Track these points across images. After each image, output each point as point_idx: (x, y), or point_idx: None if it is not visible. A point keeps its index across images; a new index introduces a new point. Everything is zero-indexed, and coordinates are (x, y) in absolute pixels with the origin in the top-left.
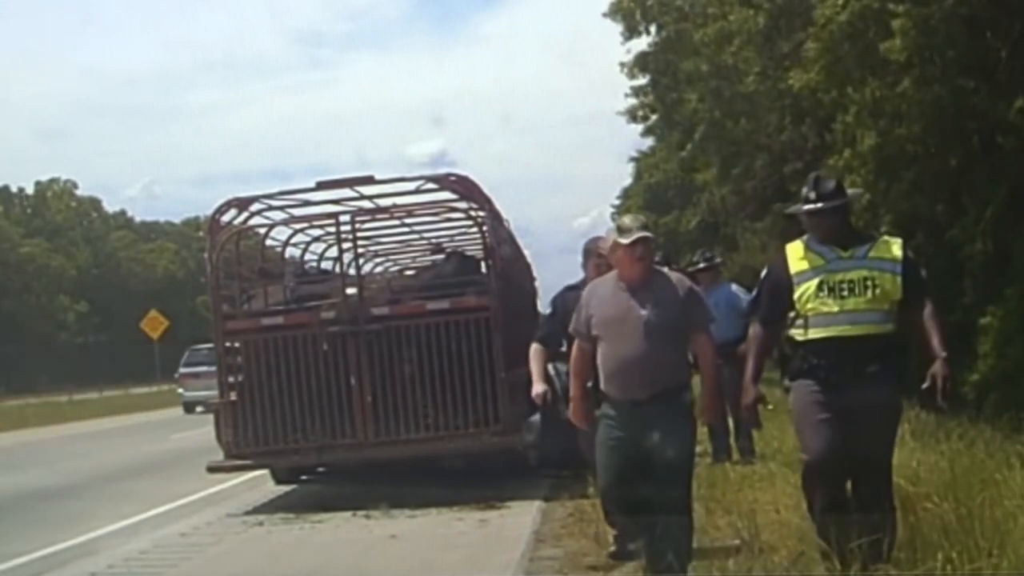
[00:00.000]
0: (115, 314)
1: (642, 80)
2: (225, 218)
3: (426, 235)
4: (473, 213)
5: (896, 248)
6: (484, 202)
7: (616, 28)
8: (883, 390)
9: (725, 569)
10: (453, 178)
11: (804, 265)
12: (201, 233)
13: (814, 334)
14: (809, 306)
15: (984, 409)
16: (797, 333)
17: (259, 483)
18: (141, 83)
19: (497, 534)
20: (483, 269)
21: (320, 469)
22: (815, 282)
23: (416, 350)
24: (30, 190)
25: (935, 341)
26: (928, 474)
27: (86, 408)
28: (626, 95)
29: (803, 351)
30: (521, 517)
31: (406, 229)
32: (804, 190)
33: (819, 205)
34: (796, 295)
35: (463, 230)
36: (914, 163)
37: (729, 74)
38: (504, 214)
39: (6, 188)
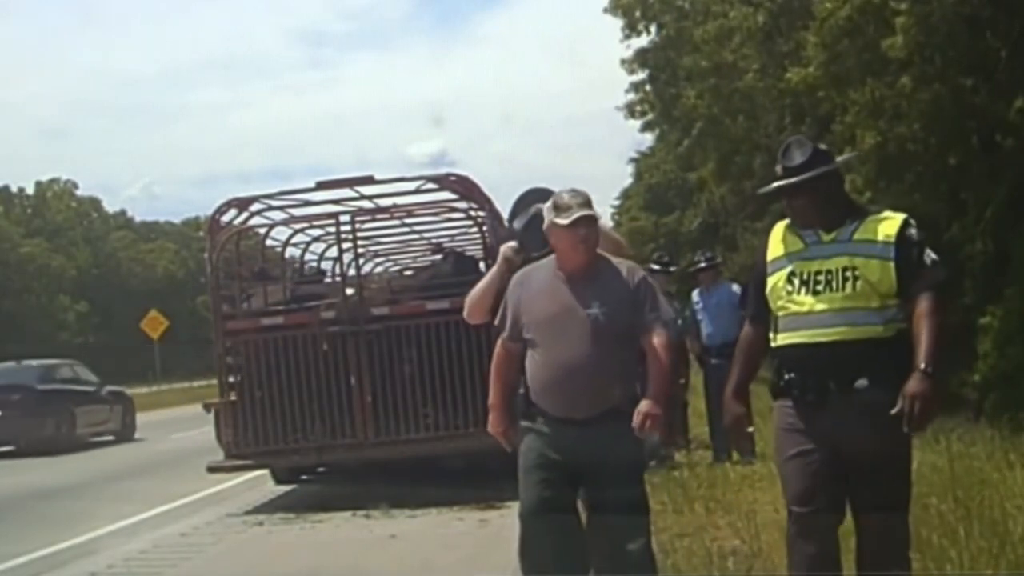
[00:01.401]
0: (115, 314)
1: (641, 75)
2: (225, 218)
3: (426, 235)
4: (473, 213)
5: (890, 226)
6: (484, 202)
7: (616, 25)
8: (876, 413)
9: (725, 569)
10: (453, 178)
11: (780, 251)
12: (201, 233)
13: (783, 339)
14: (778, 303)
15: (984, 409)
16: (772, 338)
17: (259, 483)
18: (141, 83)
19: (497, 534)
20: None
21: (320, 469)
22: (784, 273)
23: (416, 350)
24: (30, 190)
25: (921, 347)
26: (928, 474)
27: None
28: (625, 91)
29: (777, 362)
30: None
31: (406, 229)
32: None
33: (789, 181)
34: (767, 289)
35: (463, 230)
36: (914, 162)
37: (728, 71)
38: (504, 214)
39: (6, 188)
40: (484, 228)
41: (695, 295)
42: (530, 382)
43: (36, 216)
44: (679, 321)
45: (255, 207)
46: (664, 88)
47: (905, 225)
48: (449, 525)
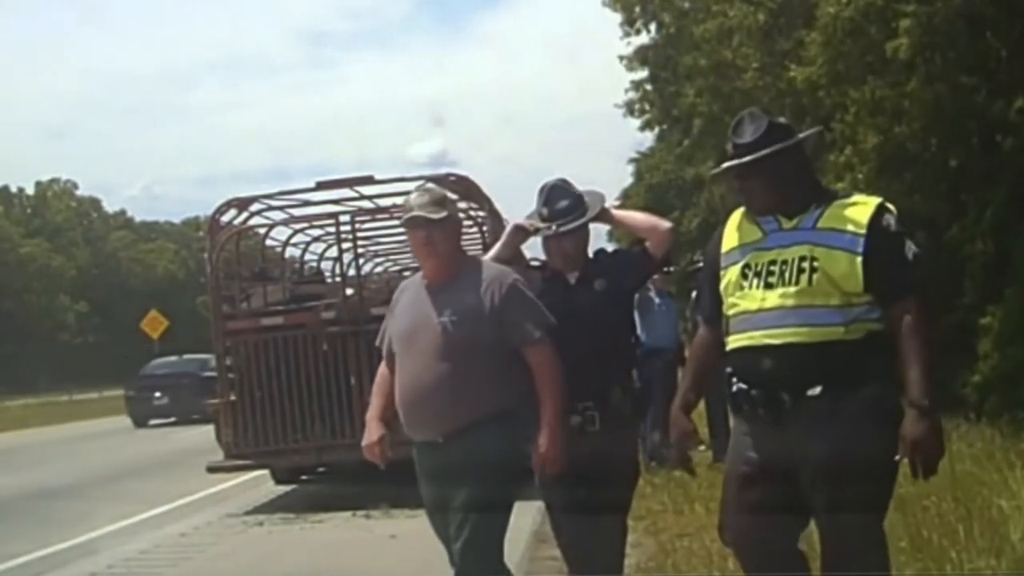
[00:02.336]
0: (115, 314)
1: (642, 74)
2: (225, 218)
3: None
4: (473, 213)
5: (861, 212)
6: (484, 202)
7: (615, 21)
8: (838, 427)
9: (725, 569)
10: (453, 178)
11: (734, 241)
12: (201, 233)
13: (732, 342)
14: (729, 301)
15: (984, 409)
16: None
17: (259, 483)
18: (141, 83)
19: None
20: None
21: (320, 469)
22: (739, 267)
23: None
24: (30, 190)
25: (913, 374)
26: None
27: (86, 408)
28: (626, 90)
29: (730, 369)
30: (521, 517)
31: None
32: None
33: (740, 160)
34: (721, 286)
35: (463, 230)
36: (914, 162)
37: (728, 70)
38: (504, 214)
39: (6, 188)
40: (484, 228)
41: (695, 295)
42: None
43: (36, 216)
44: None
45: (255, 207)
46: (664, 86)
47: (879, 212)
48: None
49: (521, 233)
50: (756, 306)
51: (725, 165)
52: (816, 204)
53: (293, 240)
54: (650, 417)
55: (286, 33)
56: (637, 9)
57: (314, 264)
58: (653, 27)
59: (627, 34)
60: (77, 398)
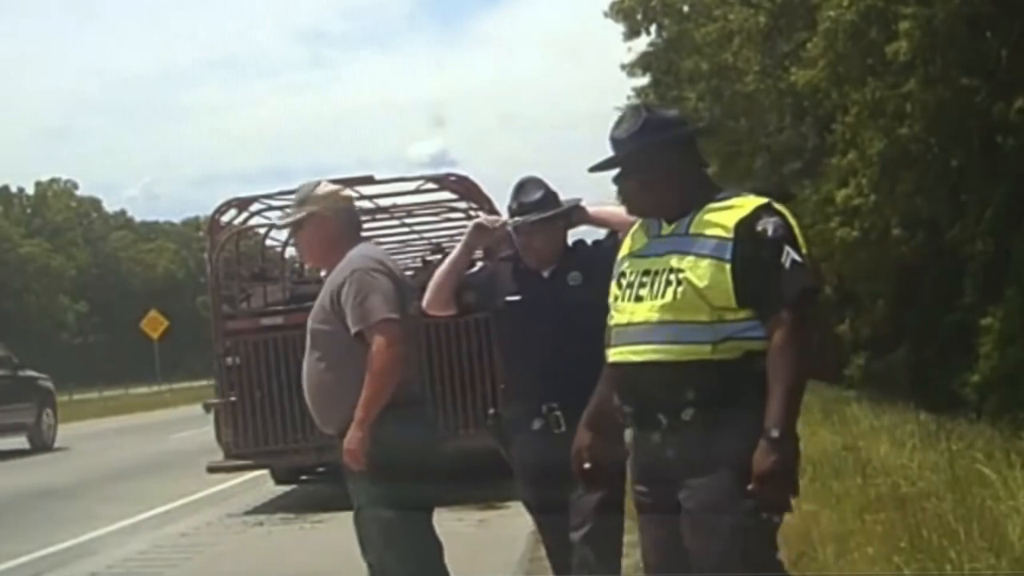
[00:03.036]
0: (115, 314)
1: (643, 80)
2: (225, 218)
3: (426, 235)
4: (473, 213)
5: (731, 216)
6: (484, 202)
7: (616, 27)
8: (708, 460)
9: None
10: (453, 178)
11: (626, 248)
12: (201, 233)
13: (609, 355)
14: (611, 312)
15: (985, 410)
16: None
17: (259, 483)
18: (141, 83)
19: (497, 534)
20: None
21: (320, 469)
22: (617, 275)
23: (415, 350)
24: (30, 190)
25: (771, 400)
26: (928, 474)
27: (86, 408)
28: (628, 97)
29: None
30: (521, 517)
31: (406, 229)
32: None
33: (613, 156)
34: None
35: (463, 230)
36: (916, 163)
37: (729, 73)
38: (504, 214)
39: (6, 188)
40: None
41: None
42: None
43: (36, 216)
44: None
45: (255, 207)
46: (665, 91)
47: (756, 214)
48: (448, 525)
49: (481, 231)
50: (626, 319)
51: (600, 161)
52: (699, 207)
53: (293, 240)
54: None
55: (286, 33)
56: (639, 15)
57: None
58: (653, 29)
59: (628, 38)
60: (77, 398)
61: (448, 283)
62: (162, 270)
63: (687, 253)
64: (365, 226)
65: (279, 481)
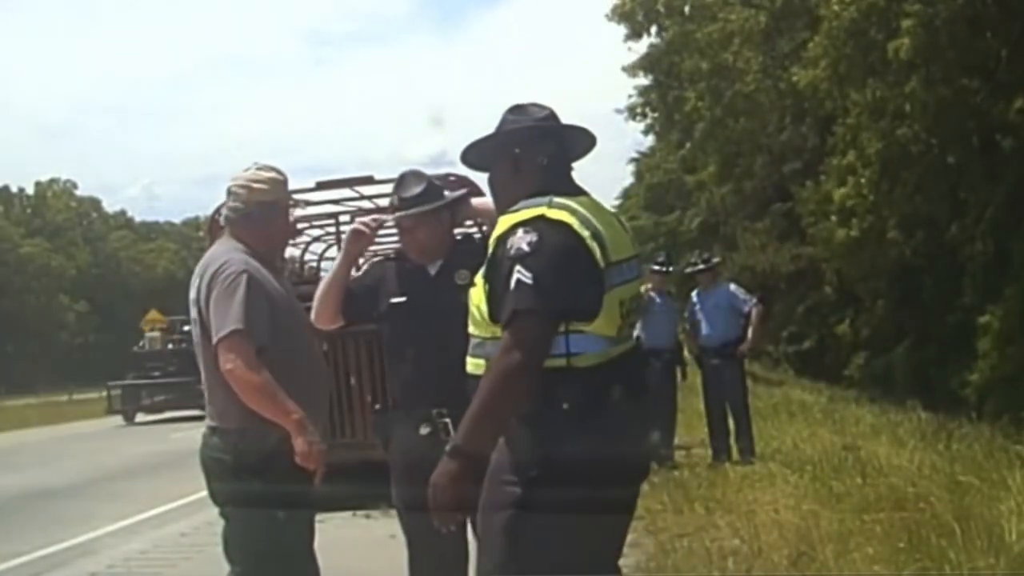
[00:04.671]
0: (115, 314)
1: (645, 81)
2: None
3: None
4: None
5: (498, 229)
6: None
7: (617, 28)
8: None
9: (725, 569)
10: (453, 178)
11: None
12: (201, 233)
13: None
14: None
15: (984, 410)
16: None
17: None
18: (142, 83)
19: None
20: None
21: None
22: None
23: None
24: (30, 190)
25: (464, 416)
26: (928, 474)
27: (86, 408)
28: (630, 96)
29: None
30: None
31: None
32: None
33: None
34: None
35: (463, 230)
36: (916, 163)
37: (729, 73)
38: None
39: (6, 188)
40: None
41: (694, 296)
42: None
43: (36, 216)
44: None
45: None
46: (666, 91)
47: (512, 231)
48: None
49: (359, 236)
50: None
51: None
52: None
53: (292, 240)
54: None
55: (286, 33)
56: (639, 17)
57: (314, 264)
58: (654, 30)
59: (629, 38)
60: (77, 398)
61: (332, 295)
62: (162, 270)
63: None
64: None
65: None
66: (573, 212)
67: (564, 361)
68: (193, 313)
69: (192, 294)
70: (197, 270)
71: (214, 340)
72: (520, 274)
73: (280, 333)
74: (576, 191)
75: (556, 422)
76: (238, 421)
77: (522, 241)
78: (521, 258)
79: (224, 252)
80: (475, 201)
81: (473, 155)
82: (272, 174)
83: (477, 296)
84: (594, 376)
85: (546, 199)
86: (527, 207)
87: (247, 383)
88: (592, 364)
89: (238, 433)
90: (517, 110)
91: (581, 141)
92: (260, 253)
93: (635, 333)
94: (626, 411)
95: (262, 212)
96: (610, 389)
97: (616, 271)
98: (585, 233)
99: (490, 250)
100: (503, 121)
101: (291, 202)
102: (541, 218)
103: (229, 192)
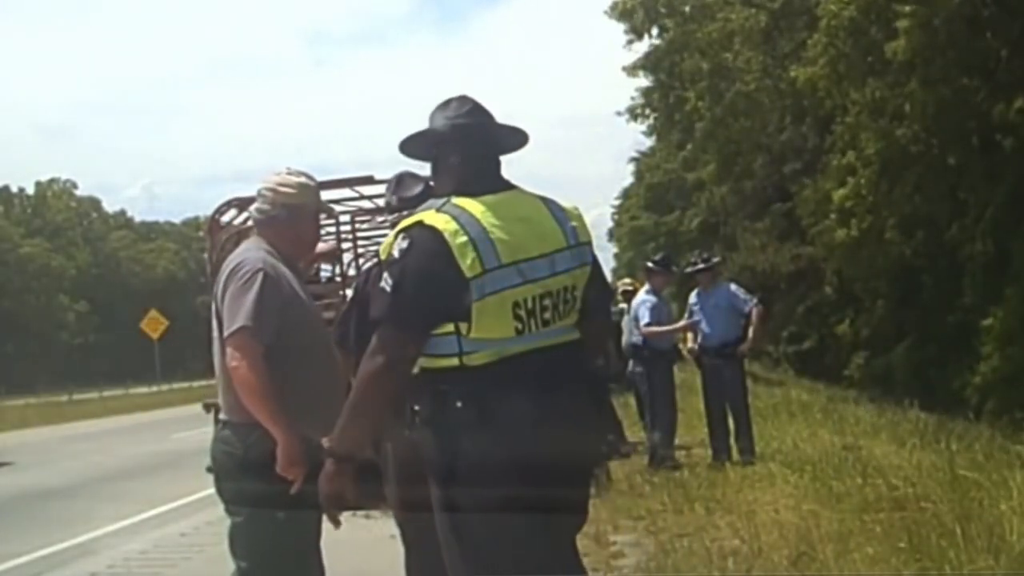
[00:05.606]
0: (115, 314)
1: (646, 81)
2: (225, 218)
3: None
4: None
5: (392, 234)
6: None
7: (617, 27)
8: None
9: (725, 569)
10: None
11: None
12: (201, 233)
13: None
14: None
15: (985, 411)
16: None
17: None
18: (141, 83)
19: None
20: None
21: None
22: None
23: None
24: (30, 190)
25: None
26: (928, 474)
27: (86, 408)
28: (632, 97)
29: None
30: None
31: None
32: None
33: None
34: None
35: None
36: (916, 163)
37: (729, 73)
38: None
39: (6, 188)
40: None
41: (693, 296)
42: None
43: (36, 216)
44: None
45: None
46: (667, 91)
47: (394, 239)
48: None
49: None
50: None
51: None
52: None
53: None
54: (649, 417)
55: (287, 33)
56: (640, 15)
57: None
58: (655, 30)
59: (630, 41)
60: (77, 398)
61: None
62: (162, 270)
63: None
64: (365, 226)
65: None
66: (456, 217)
67: (456, 360)
68: (212, 308)
69: (214, 289)
70: (222, 267)
71: (224, 335)
72: (384, 281)
73: (291, 334)
74: (495, 188)
75: (452, 420)
76: (250, 415)
77: (396, 248)
78: (389, 264)
79: (246, 250)
80: None
81: (409, 151)
82: (301, 179)
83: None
84: (486, 374)
85: (440, 202)
86: (420, 211)
87: (247, 384)
88: (483, 363)
89: (249, 428)
90: (442, 107)
91: (509, 138)
92: (285, 255)
93: (567, 329)
94: (528, 409)
95: (289, 215)
96: (506, 387)
97: (507, 273)
98: (459, 240)
99: (382, 254)
100: (430, 118)
101: (320, 207)
102: (419, 224)
103: (258, 194)
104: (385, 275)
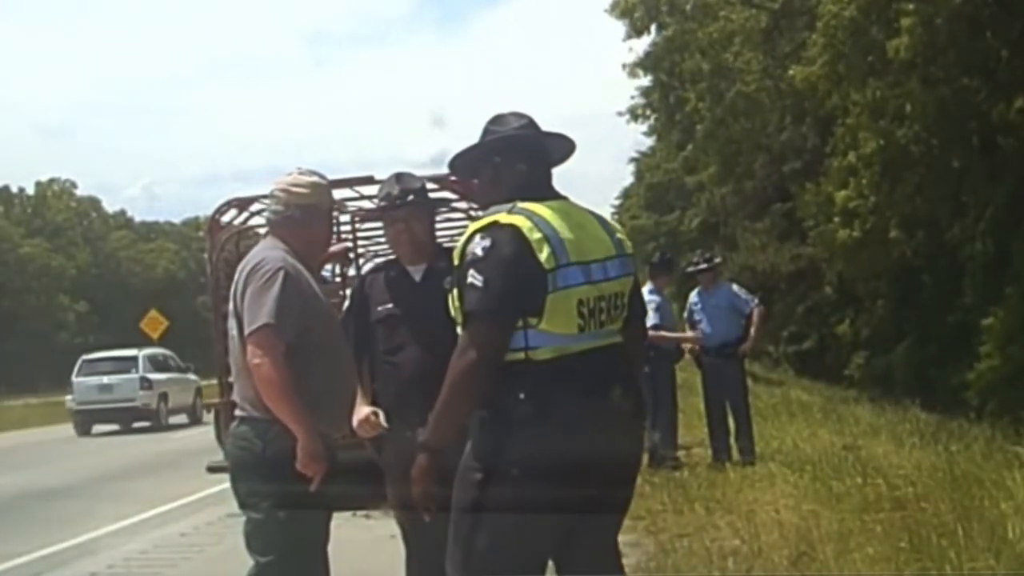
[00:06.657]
0: (115, 314)
1: (645, 81)
2: (225, 218)
3: None
4: (473, 213)
5: (464, 236)
6: None
7: (617, 27)
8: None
9: (725, 569)
10: (453, 178)
11: None
12: (201, 233)
13: None
14: None
15: (985, 410)
16: None
17: None
18: (141, 83)
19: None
20: None
21: None
22: None
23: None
24: (30, 190)
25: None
26: (928, 474)
27: None
28: (632, 97)
29: None
30: None
31: None
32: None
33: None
34: None
35: (463, 230)
36: (916, 164)
37: (730, 73)
38: None
39: (6, 188)
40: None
41: (693, 296)
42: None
43: (36, 216)
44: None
45: (255, 207)
46: (668, 92)
47: (471, 238)
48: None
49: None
50: None
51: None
52: None
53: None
54: (650, 417)
55: (286, 33)
56: (640, 13)
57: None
58: (654, 29)
59: (629, 36)
60: None
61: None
62: (162, 270)
63: None
64: (365, 226)
65: None
66: (529, 216)
67: (523, 354)
68: (231, 306)
69: (232, 288)
70: (239, 266)
71: (245, 333)
72: (473, 277)
73: (310, 332)
74: (552, 196)
75: (513, 412)
76: (269, 411)
77: (477, 246)
78: (475, 262)
79: (264, 250)
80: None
81: (459, 164)
82: (313, 179)
83: (453, 301)
84: (549, 369)
85: (509, 205)
86: (489, 214)
87: (269, 381)
88: (547, 358)
89: (268, 424)
90: (497, 120)
91: (560, 147)
92: (300, 254)
93: (615, 332)
94: (585, 405)
95: (303, 214)
96: (567, 383)
97: (574, 272)
98: (536, 236)
99: (456, 257)
100: (484, 131)
101: (334, 206)
102: (495, 224)
103: (271, 195)
104: (471, 272)
